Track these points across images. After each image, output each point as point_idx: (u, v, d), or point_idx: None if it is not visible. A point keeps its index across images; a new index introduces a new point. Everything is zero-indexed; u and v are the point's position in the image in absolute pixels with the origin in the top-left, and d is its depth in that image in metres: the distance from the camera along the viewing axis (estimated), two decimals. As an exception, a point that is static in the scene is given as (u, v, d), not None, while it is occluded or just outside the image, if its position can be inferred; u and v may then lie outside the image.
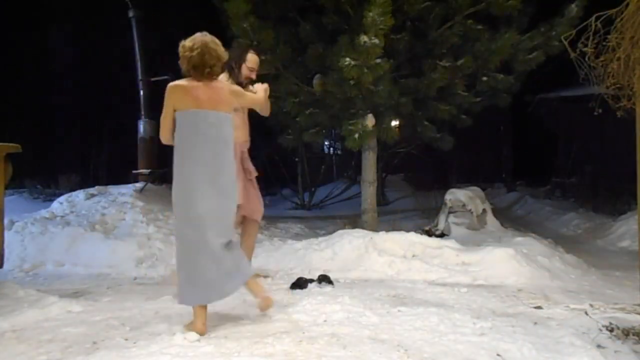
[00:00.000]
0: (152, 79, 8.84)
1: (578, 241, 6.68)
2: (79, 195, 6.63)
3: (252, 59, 3.79)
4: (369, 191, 5.95)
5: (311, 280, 3.67)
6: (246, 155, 3.89)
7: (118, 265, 4.58)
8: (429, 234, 5.51)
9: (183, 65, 2.65)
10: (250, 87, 3.65)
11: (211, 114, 2.63)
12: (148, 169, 8.60)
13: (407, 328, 2.46)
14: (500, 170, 17.08)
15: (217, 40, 2.68)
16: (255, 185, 3.91)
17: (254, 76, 3.76)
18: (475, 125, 6.58)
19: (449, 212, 6.02)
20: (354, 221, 6.54)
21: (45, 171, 11.49)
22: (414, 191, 11.79)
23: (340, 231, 4.77)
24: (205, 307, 2.56)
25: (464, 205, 5.97)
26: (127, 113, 10.02)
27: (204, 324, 2.52)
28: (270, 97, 3.45)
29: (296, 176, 13.13)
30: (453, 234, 5.63)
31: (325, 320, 2.60)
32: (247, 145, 3.90)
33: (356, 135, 5.25)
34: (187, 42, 2.63)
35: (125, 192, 6.62)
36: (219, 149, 2.65)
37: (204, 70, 2.61)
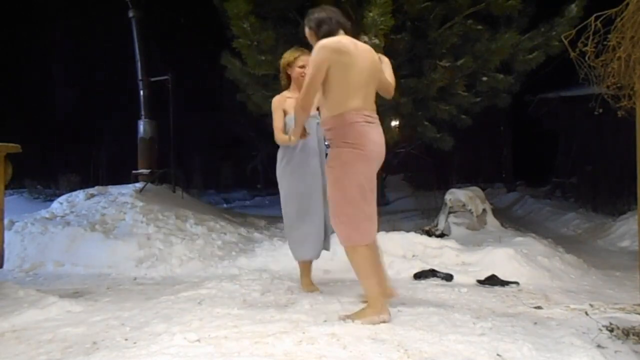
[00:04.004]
0: (152, 79, 8.85)
1: (578, 241, 6.67)
2: (79, 195, 6.64)
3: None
4: (369, 191, 5.94)
5: (434, 272, 3.91)
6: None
7: (118, 265, 4.58)
8: (429, 234, 5.51)
9: None
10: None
11: None
12: (148, 169, 8.62)
13: (407, 328, 2.46)
14: (500, 170, 17.08)
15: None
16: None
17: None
18: (475, 125, 6.58)
19: (449, 212, 6.01)
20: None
21: (45, 171, 11.50)
22: (414, 191, 11.78)
23: (340, 231, 4.75)
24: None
25: (464, 205, 5.97)
26: (127, 113, 10.03)
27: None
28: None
29: (296, 176, 13.09)
30: (453, 234, 5.62)
31: (325, 320, 2.59)
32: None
33: (356, 135, 5.24)
34: None
35: (125, 192, 6.63)
36: None
37: None
